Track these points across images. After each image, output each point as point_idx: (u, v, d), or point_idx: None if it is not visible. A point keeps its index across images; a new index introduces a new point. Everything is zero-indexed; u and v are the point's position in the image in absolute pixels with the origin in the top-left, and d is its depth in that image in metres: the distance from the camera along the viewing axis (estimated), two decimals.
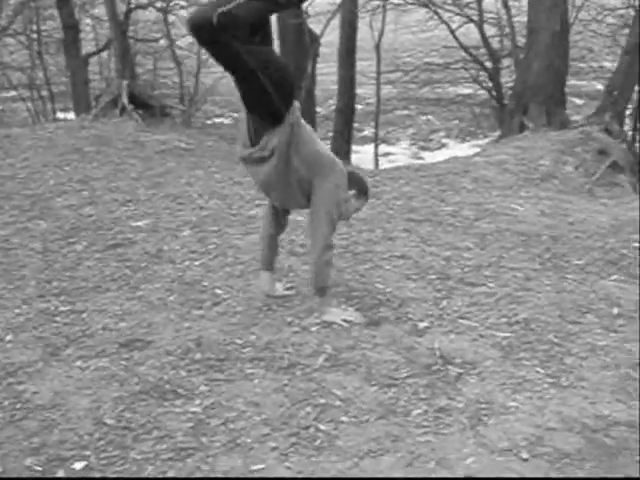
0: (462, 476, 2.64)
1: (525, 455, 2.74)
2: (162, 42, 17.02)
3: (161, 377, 3.28)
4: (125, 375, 3.32)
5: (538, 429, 2.90)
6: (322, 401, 3.07)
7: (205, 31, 3.20)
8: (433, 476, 2.64)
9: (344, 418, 2.96)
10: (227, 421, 2.95)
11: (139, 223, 5.49)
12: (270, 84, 3.41)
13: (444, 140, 20.97)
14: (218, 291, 4.21)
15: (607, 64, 18.22)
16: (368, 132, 19.40)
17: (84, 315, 3.97)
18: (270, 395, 3.13)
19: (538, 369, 3.36)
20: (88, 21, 18.02)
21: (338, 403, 3.06)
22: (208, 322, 3.82)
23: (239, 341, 3.60)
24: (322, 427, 2.90)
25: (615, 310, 3.99)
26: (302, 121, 3.68)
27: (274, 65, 3.49)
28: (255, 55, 3.36)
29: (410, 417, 2.98)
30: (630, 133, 15.06)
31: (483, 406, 3.06)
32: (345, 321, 3.79)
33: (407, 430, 2.88)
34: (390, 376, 3.27)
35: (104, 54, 17.59)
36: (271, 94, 3.44)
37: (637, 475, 2.69)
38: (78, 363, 3.44)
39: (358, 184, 3.95)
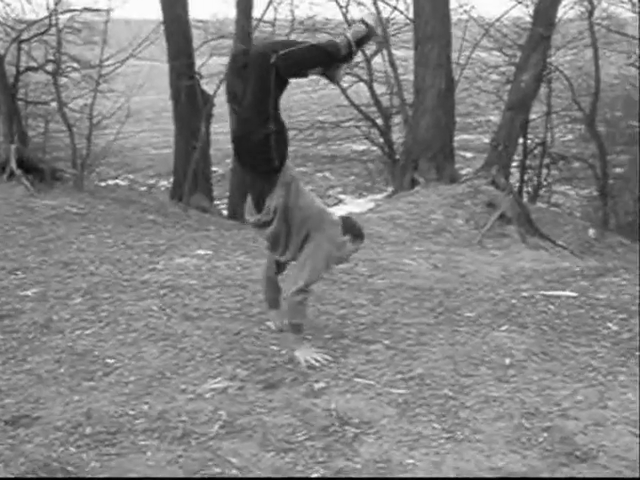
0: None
1: None
2: (53, 104, 16.75)
3: (49, 455, 3.14)
4: (10, 455, 3.16)
5: None
6: (217, 470, 3.00)
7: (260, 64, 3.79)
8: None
9: None
10: None
11: (27, 292, 5.31)
12: (274, 133, 3.87)
13: (341, 196, 21.27)
14: (109, 360, 4.09)
15: (493, 118, 18.95)
16: None
17: None
18: (164, 467, 3.04)
19: (434, 424, 3.38)
20: None
21: (234, 472, 3.00)
22: (99, 393, 3.69)
23: (131, 412, 3.49)
24: None
25: (507, 360, 4.07)
26: (297, 177, 4.11)
27: (280, 117, 3.93)
28: (276, 100, 3.87)
29: None
30: (517, 185, 15.66)
31: (381, 465, 3.05)
32: (316, 360, 3.98)
33: None
34: (287, 440, 3.23)
35: None
36: (271, 143, 3.87)
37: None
38: None
39: (352, 229, 4.25)
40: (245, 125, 3.93)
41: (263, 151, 3.90)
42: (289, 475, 2.96)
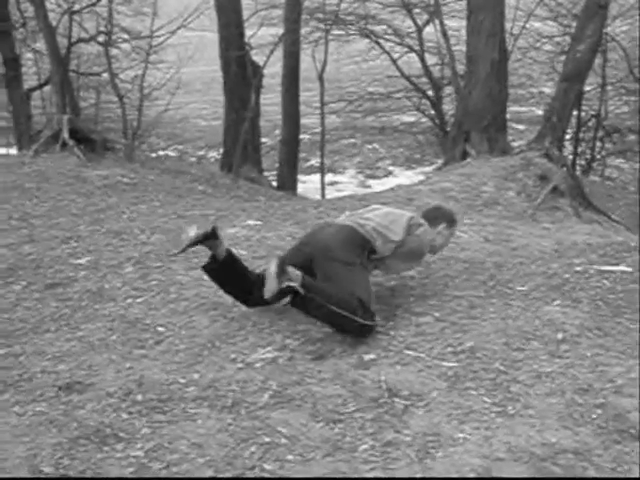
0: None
1: None
2: (105, 75, 16.90)
3: (101, 421, 3.19)
4: (64, 420, 3.21)
5: (486, 460, 2.87)
6: (267, 440, 3.01)
7: None
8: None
9: (290, 456, 2.91)
10: (170, 464, 2.87)
11: (80, 261, 5.38)
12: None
13: (390, 168, 21.16)
14: (160, 329, 4.13)
15: (546, 90, 18.63)
16: (315, 162, 19.47)
17: (22, 358, 3.86)
18: (214, 435, 3.06)
19: (485, 398, 3.34)
20: (30, 55, 17.81)
21: (284, 441, 3.01)
22: (150, 361, 3.73)
23: (182, 380, 3.52)
24: (267, 467, 2.84)
25: (559, 335, 4.00)
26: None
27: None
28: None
29: (357, 453, 2.93)
30: (570, 157, 15.39)
31: (430, 438, 3.02)
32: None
33: (354, 466, 2.84)
34: (336, 411, 3.23)
35: (47, 88, 17.37)
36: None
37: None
38: (15, 409, 3.33)
39: (445, 216, 4.53)
40: None
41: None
42: (339, 446, 2.97)
